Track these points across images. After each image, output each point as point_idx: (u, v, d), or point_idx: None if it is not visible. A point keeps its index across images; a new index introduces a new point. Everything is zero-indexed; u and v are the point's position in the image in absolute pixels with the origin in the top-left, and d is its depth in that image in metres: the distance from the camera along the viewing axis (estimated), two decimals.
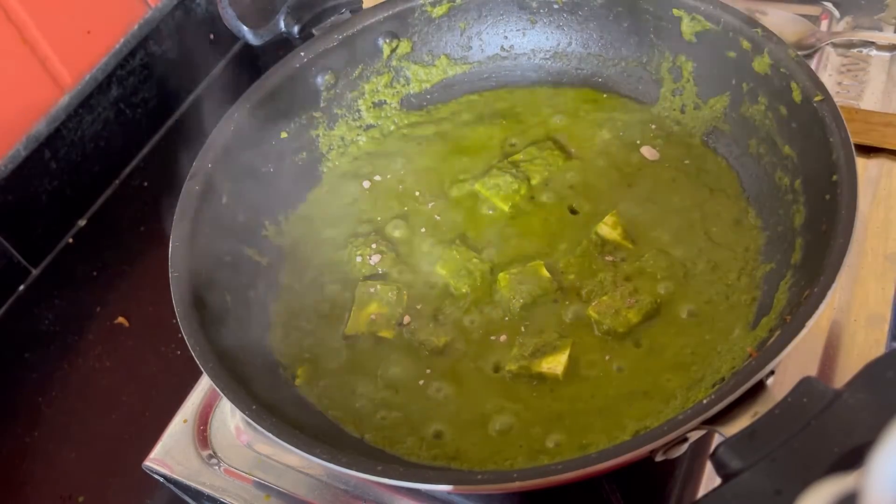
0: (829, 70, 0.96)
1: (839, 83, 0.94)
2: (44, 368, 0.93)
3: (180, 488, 0.76)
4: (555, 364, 0.70)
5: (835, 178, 0.64)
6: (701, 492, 0.68)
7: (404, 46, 0.91)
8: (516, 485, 0.54)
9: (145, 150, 1.13)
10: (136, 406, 0.88)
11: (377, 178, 0.88)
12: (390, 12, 0.89)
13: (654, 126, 0.86)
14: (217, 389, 0.62)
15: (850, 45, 0.98)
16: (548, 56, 0.93)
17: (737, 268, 0.73)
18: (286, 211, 0.85)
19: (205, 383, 0.81)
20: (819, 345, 0.74)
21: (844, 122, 0.67)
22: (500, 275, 0.76)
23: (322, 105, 0.89)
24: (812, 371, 0.72)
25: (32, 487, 0.84)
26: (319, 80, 0.87)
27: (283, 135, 0.86)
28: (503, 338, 0.73)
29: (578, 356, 0.71)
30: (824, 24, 1.01)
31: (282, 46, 0.88)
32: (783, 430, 0.49)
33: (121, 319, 0.96)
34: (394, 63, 0.92)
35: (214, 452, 0.76)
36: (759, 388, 0.53)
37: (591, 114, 0.89)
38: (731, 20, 0.78)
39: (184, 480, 0.75)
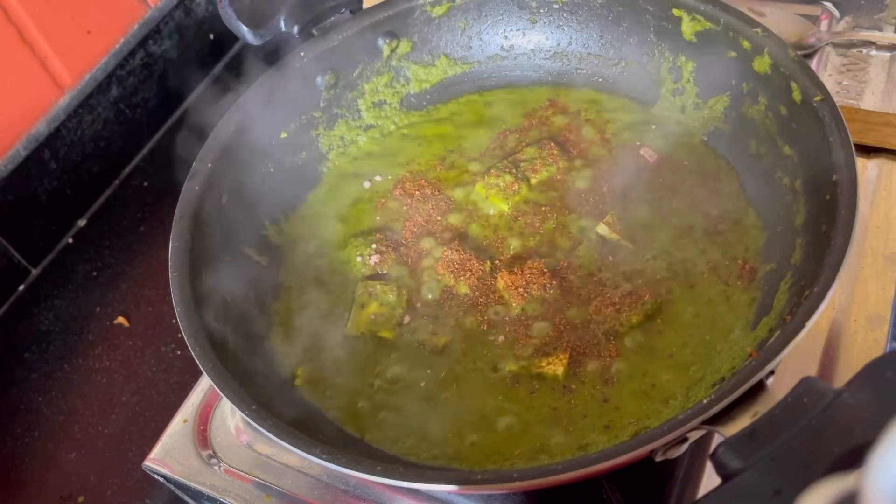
0: (828, 70, 0.96)
1: (839, 83, 0.94)
2: (44, 368, 0.93)
3: (180, 488, 0.76)
4: (555, 364, 0.70)
5: (835, 178, 0.64)
6: (701, 492, 0.68)
7: (404, 46, 0.91)
8: (516, 485, 0.54)
9: (145, 150, 1.14)
10: (136, 406, 0.88)
11: (377, 178, 0.88)
12: (390, 12, 0.89)
13: (654, 126, 0.86)
14: (217, 389, 0.62)
15: (850, 44, 0.98)
16: (548, 56, 0.93)
17: (737, 268, 0.73)
18: (286, 211, 0.85)
19: (205, 383, 0.81)
20: (819, 345, 0.74)
21: (844, 122, 0.67)
22: (500, 275, 0.76)
23: (322, 105, 0.89)
24: (812, 371, 0.72)
25: (32, 487, 0.84)
26: (319, 80, 0.87)
27: (283, 135, 0.86)
28: (502, 338, 0.73)
29: (578, 356, 0.71)
30: (824, 24, 1.01)
31: (282, 46, 0.88)
32: (783, 429, 0.49)
33: (121, 319, 0.96)
34: (394, 63, 0.92)
35: (214, 452, 0.76)
36: (759, 388, 0.53)
37: (591, 114, 0.89)
38: (731, 20, 0.78)
39: (184, 480, 0.75)
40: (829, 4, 1.02)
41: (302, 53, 0.85)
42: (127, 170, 1.12)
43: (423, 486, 0.60)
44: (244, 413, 0.60)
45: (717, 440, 0.58)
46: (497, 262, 0.79)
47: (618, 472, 0.63)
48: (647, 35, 0.87)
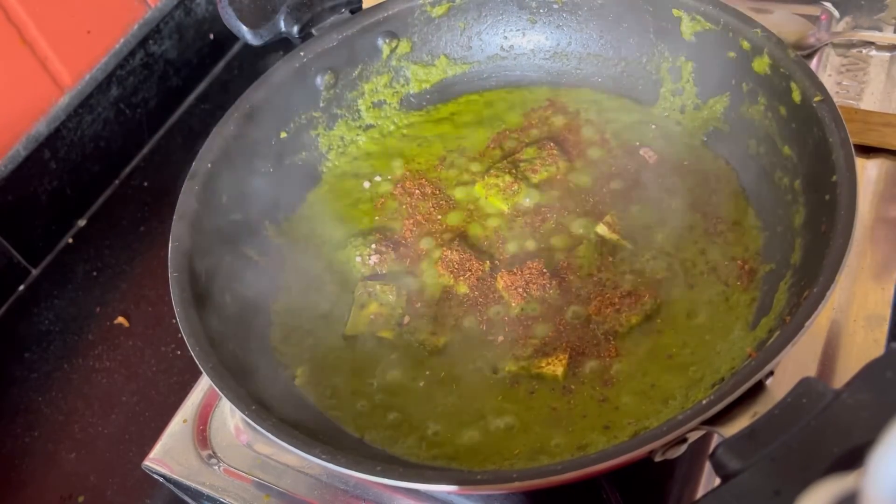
0: (828, 70, 0.96)
1: (839, 83, 0.94)
2: (44, 368, 0.93)
3: (180, 488, 0.76)
4: (554, 364, 0.70)
5: (834, 178, 0.64)
6: (700, 492, 0.68)
7: (404, 46, 0.91)
8: (516, 485, 0.54)
9: (145, 150, 1.14)
10: (136, 406, 0.88)
11: (377, 178, 0.88)
12: (390, 12, 0.89)
13: (653, 126, 0.86)
14: (217, 389, 0.62)
15: (850, 45, 0.98)
16: (547, 56, 0.93)
17: (736, 268, 0.73)
18: (286, 211, 0.85)
19: (204, 383, 0.81)
20: (818, 345, 0.74)
21: (844, 122, 0.67)
22: (500, 275, 0.76)
23: (322, 105, 0.89)
24: (811, 371, 0.72)
25: (32, 487, 0.84)
26: (319, 80, 0.87)
27: (283, 135, 0.86)
28: (502, 338, 0.73)
29: (578, 357, 0.71)
30: (824, 24, 1.01)
31: (282, 46, 0.88)
32: (782, 430, 0.49)
33: (121, 319, 0.96)
34: (393, 63, 0.92)
35: (214, 452, 0.77)
36: (759, 388, 0.53)
37: (590, 114, 0.89)
38: (731, 20, 0.78)
39: (183, 480, 0.75)
40: (828, 4, 1.02)
41: (302, 53, 0.85)
42: (127, 170, 1.12)
43: (422, 486, 0.60)
44: (244, 413, 0.60)
45: (716, 440, 0.58)
46: (497, 262, 0.79)
47: (617, 472, 0.62)
48: (646, 35, 0.87)
